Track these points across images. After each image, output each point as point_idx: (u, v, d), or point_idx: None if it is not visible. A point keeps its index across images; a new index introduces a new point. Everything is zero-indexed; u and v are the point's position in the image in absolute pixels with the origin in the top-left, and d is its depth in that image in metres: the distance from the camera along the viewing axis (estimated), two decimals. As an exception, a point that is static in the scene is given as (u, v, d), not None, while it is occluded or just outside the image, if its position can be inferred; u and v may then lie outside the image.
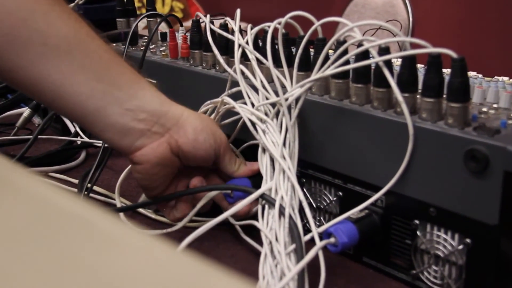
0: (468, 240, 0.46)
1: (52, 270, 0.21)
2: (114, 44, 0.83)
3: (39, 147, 0.83)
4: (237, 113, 0.59)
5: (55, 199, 0.25)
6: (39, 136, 0.78)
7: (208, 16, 0.66)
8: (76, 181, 0.73)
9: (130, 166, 0.67)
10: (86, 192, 0.67)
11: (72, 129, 0.86)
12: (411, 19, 1.88)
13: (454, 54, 0.46)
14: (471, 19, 2.25)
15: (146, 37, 0.85)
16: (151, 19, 0.82)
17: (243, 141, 0.63)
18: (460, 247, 0.47)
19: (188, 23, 0.86)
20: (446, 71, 0.51)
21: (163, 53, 0.76)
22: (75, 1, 0.95)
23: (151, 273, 0.20)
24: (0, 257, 0.22)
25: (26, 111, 0.87)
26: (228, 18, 0.64)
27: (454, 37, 2.29)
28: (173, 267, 0.19)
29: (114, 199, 0.68)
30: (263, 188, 0.53)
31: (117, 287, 0.20)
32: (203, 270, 0.19)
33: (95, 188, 0.71)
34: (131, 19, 0.84)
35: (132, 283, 0.20)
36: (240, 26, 0.62)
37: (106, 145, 0.71)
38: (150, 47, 0.78)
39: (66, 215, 0.24)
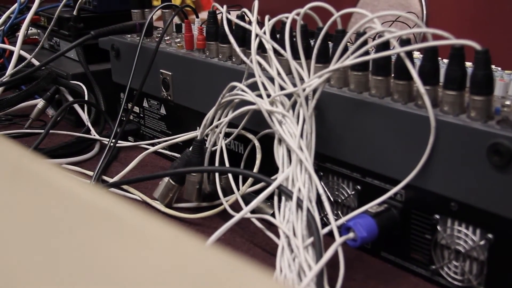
0: (490, 236, 0.45)
1: (79, 264, 0.21)
2: (129, 36, 0.82)
3: (53, 138, 0.83)
4: (251, 104, 0.58)
5: (81, 192, 0.24)
6: (51, 131, 0.78)
7: (225, 6, 0.65)
8: (90, 173, 0.73)
9: (138, 157, 0.67)
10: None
11: (86, 121, 0.86)
12: (425, 12, 1.87)
13: (478, 46, 0.45)
14: (485, 11, 2.23)
15: (160, 28, 0.84)
16: (166, 10, 0.81)
17: (254, 132, 0.62)
18: (482, 242, 0.46)
19: (200, 14, 0.85)
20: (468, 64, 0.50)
21: (178, 44, 0.75)
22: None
23: (179, 267, 0.19)
24: (24, 249, 0.21)
25: (40, 102, 0.87)
26: (245, 9, 0.64)
27: (469, 30, 2.26)
28: (202, 261, 0.19)
29: (130, 191, 0.68)
30: (280, 179, 0.52)
31: (145, 282, 0.19)
32: (233, 265, 0.18)
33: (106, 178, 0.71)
34: (146, 10, 0.83)
35: (160, 278, 0.19)
36: (257, 17, 0.61)
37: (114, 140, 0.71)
38: (165, 38, 0.78)
39: (93, 209, 0.24)
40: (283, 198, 0.53)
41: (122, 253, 0.21)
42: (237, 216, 0.52)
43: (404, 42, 0.49)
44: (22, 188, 0.25)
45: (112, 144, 0.75)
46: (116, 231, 0.21)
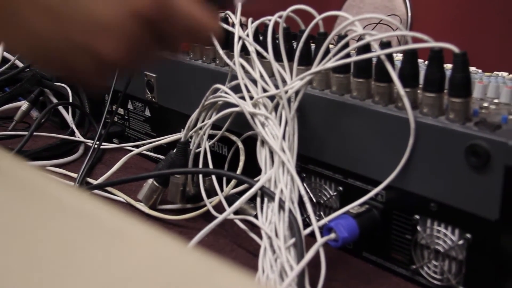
0: (468, 235, 0.46)
1: (59, 266, 0.21)
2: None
3: (37, 140, 0.83)
4: (235, 106, 0.59)
5: (61, 195, 0.25)
6: (35, 133, 0.78)
7: (208, 9, 0.66)
8: (74, 175, 0.73)
9: (123, 159, 0.67)
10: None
11: (70, 123, 0.85)
12: (409, 14, 1.88)
13: (456, 49, 0.46)
14: (469, 14, 2.25)
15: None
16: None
17: (237, 134, 0.63)
18: (460, 242, 0.47)
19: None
20: (446, 66, 0.51)
21: (162, 46, 0.75)
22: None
23: (158, 267, 0.20)
24: (6, 253, 0.22)
25: (24, 104, 0.87)
26: (228, 12, 0.64)
27: (453, 32, 2.29)
28: (179, 262, 0.19)
29: (114, 193, 0.68)
30: (262, 180, 0.53)
31: (123, 283, 0.20)
32: (210, 265, 0.19)
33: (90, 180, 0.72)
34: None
35: (139, 278, 0.19)
36: (240, 19, 0.62)
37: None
38: (149, 40, 0.78)
39: (73, 211, 0.24)
40: (265, 199, 0.53)
41: (101, 255, 0.21)
42: (220, 217, 0.52)
43: (384, 45, 0.50)
44: (2, 191, 0.25)
45: (96, 146, 0.75)
46: (96, 233, 0.21)
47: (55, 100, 0.88)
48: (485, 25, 2.22)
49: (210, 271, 0.20)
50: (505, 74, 0.61)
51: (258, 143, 0.56)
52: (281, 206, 0.51)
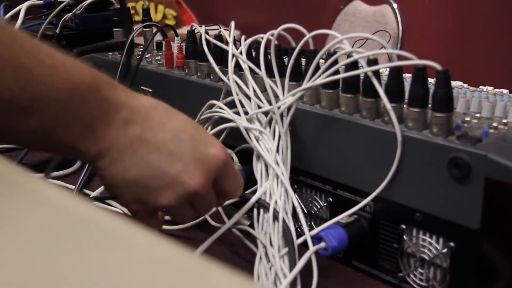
0: (452, 244, 0.48)
1: (61, 270, 0.23)
2: (111, 54, 0.85)
3: (35, 154, 0.85)
4: (230, 121, 0.61)
5: (65, 202, 0.27)
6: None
7: (203, 27, 0.68)
8: (72, 186, 0.75)
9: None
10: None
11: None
12: (400, 28, 1.92)
13: (438, 66, 0.48)
14: (459, 28, 2.29)
15: (141, 46, 0.87)
16: (147, 29, 0.84)
17: (231, 147, 0.65)
18: (444, 250, 0.49)
19: (180, 30, 0.88)
20: (432, 81, 0.54)
21: (158, 62, 0.78)
22: (73, 11, 0.96)
23: (157, 270, 0.22)
24: (12, 257, 0.24)
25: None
26: (222, 30, 0.66)
27: (443, 45, 2.33)
28: (179, 266, 0.21)
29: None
30: (258, 193, 0.55)
31: (123, 285, 0.22)
32: (208, 269, 0.21)
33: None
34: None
35: (139, 281, 0.21)
36: (234, 37, 0.64)
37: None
38: (146, 56, 0.80)
39: (75, 217, 0.26)
40: (261, 210, 0.55)
41: (100, 258, 0.23)
42: (223, 228, 0.54)
43: (371, 62, 0.52)
44: (15, 201, 0.27)
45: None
46: (102, 238, 0.24)
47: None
48: (474, 39, 2.26)
49: (212, 275, 0.22)
50: (490, 88, 0.63)
51: (254, 157, 0.59)
52: (275, 217, 0.53)
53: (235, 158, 0.65)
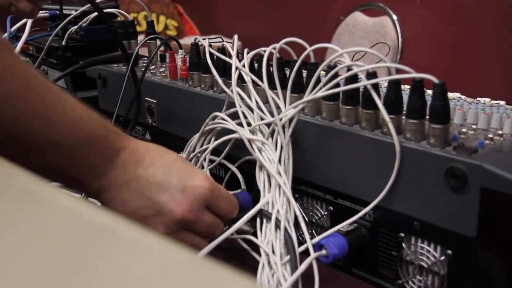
0: (449, 252, 0.50)
1: (76, 275, 0.24)
2: (115, 65, 0.86)
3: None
4: (232, 132, 0.63)
5: (79, 209, 0.28)
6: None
7: (207, 40, 0.70)
8: (78, 195, 0.76)
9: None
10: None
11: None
12: (400, 39, 1.94)
13: (435, 80, 0.50)
14: (458, 39, 2.31)
15: (145, 58, 0.89)
16: (151, 42, 0.86)
17: (234, 156, 0.67)
18: (442, 258, 0.50)
19: (182, 41, 0.90)
20: (430, 92, 0.55)
21: (162, 74, 0.79)
22: (79, 23, 0.98)
23: (169, 274, 0.23)
24: (29, 264, 0.25)
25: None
26: (225, 42, 0.68)
27: (442, 56, 2.35)
28: (190, 268, 0.23)
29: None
30: (261, 203, 0.57)
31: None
32: (219, 272, 0.22)
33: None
34: (132, 41, 0.88)
35: (152, 283, 0.23)
36: (237, 50, 0.66)
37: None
38: (150, 68, 0.82)
39: (90, 224, 0.28)
40: (264, 219, 0.57)
41: (114, 263, 0.25)
42: (225, 235, 0.56)
43: (370, 75, 0.54)
44: (32, 209, 0.29)
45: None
46: (114, 243, 0.25)
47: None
48: (473, 49, 2.28)
49: (219, 276, 0.23)
50: (487, 100, 0.64)
51: (257, 167, 0.60)
52: (278, 225, 0.54)
53: (240, 177, 0.66)
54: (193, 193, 0.53)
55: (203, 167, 0.67)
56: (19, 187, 0.30)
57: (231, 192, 0.61)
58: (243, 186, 0.66)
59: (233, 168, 0.67)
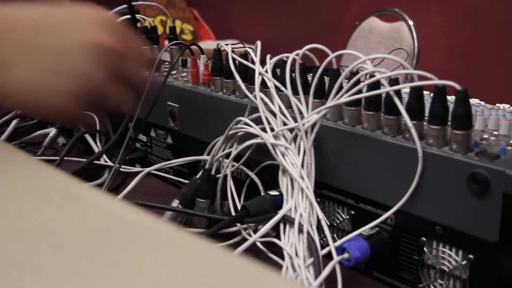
0: (471, 256, 0.51)
1: (123, 273, 0.25)
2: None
3: (63, 165, 0.88)
4: (255, 136, 0.64)
5: (121, 211, 0.30)
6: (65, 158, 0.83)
7: (230, 45, 0.71)
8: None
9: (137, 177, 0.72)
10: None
11: (96, 149, 0.91)
12: (416, 44, 1.94)
13: (457, 86, 0.51)
14: (474, 45, 2.31)
15: (167, 62, 0.90)
16: (174, 47, 0.87)
17: (258, 162, 0.68)
18: (464, 262, 0.51)
19: (199, 44, 0.91)
20: (451, 98, 0.56)
21: (185, 79, 0.81)
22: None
23: (210, 273, 0.24)
24: (75, 263, 0.26)
25: (52, 131, 0.92)
26: (248, 49, 0.69)
27: (458, 62, 2.34)
28: (232, 268, 0.24)
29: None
30: (284, 209, 0.58)
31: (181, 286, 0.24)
32: (260, 271, 0.23)
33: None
34: (155, 46, 0.89)
35: (195, 281, 0.24)
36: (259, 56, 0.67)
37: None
38: (172, 72, 0.83)
39: (132, 225, 0.29)
40: (287, 223, 0.58)
41: (157, 262, 0.26)
42: (251, 240, 0.57)
43: (392, 81, 0.55)
44: (74, 210, 0.30)
45: (116, 167, 0.80)
46: (155, 242, 0.26)
47: (82, 128, 0.94)
48: (490, 55, 2.27)
49: (261, 276, 0.24)
50: (506, 106, 0.65)
51: (280, 172, 0.61)
52: (300, 229, 0.55)
53: (259, 183, 0.68)
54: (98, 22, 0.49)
55: (226, 172, 0.68)
56: (63, 191, 0.32)
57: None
58: (262, 192, 0.67)
59: (252, 175, 0.68)
